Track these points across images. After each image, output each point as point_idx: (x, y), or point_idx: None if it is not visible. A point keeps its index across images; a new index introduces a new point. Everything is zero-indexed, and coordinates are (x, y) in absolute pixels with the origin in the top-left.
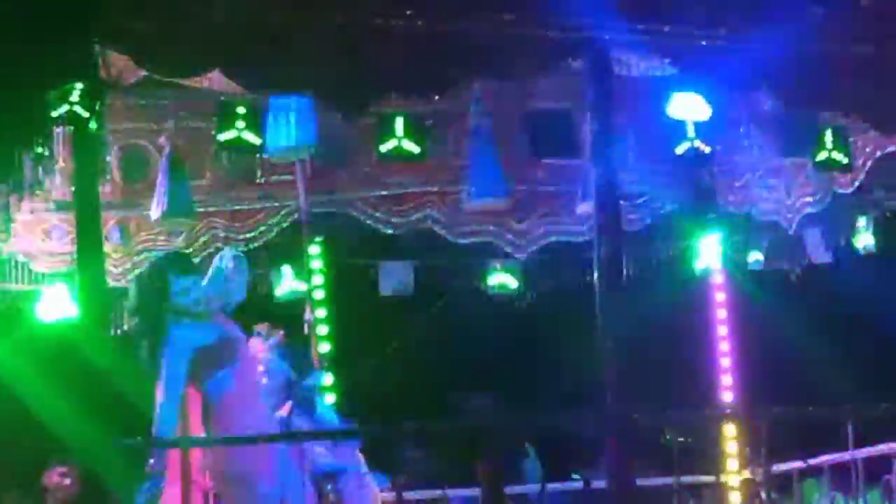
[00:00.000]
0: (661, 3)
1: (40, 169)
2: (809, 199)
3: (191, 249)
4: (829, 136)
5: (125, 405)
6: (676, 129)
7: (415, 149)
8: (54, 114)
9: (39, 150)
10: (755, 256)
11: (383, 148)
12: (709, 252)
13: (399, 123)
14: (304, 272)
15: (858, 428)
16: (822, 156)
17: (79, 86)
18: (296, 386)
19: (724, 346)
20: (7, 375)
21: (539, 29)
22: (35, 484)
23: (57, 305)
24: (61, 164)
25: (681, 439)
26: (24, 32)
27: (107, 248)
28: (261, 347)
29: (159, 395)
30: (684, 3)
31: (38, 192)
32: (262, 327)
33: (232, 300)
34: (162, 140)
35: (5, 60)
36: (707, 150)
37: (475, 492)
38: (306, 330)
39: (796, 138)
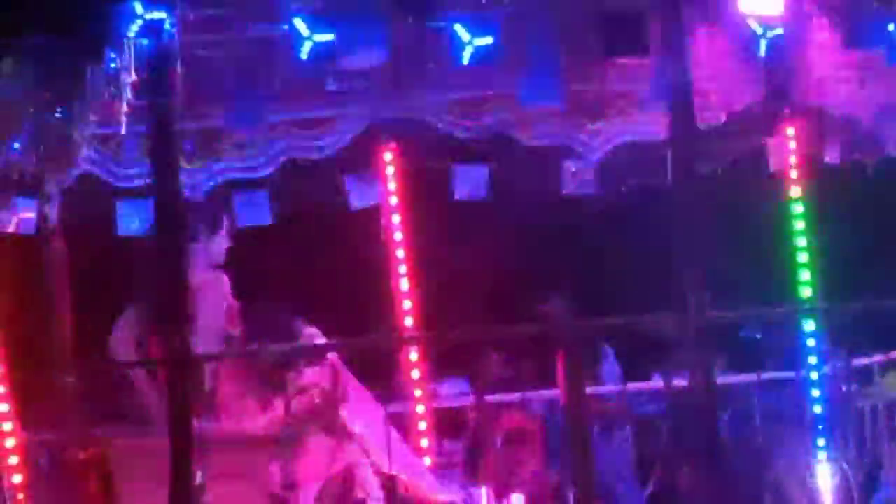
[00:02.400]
0: None
1: (110, 78)
2: (884, 90)
3: (263, 159)
4: None
5: None
6: (748, 25)
7: (485, 52)
8: (125, 27)
9: (112, 63)
10: (831, 150)
11: (454, 52)
12: (783, 147)
13: (469, 27)
14: (378, 179)
15: None
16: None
17: None
18: None
19: (801, 242)
20: None
21: None
22: None
23: (133, 220)
24: (133, 77)
25: (757, 336)
26: None
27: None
28: None
29: None
30: None
31: (110, 105)
32: None
33: None
34: (231, 51)
35: None
36: (779, 44)
37: (554, 393)
38: (384, 237)
39: (868, 30)
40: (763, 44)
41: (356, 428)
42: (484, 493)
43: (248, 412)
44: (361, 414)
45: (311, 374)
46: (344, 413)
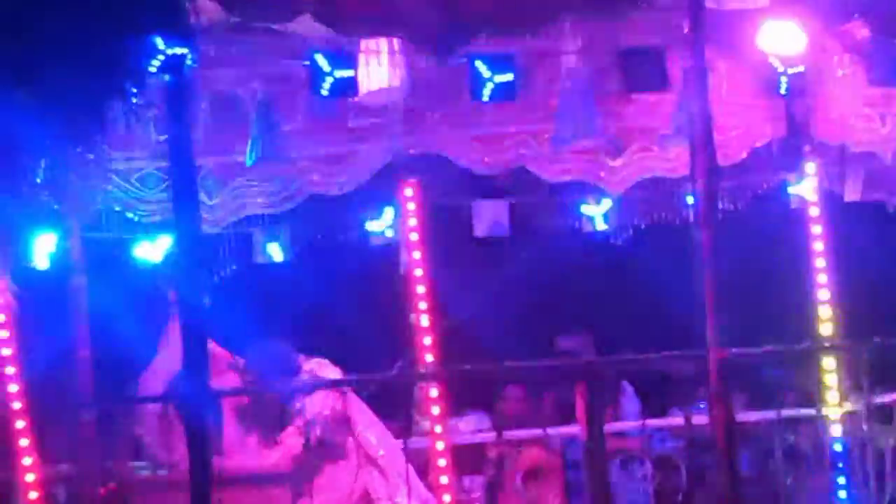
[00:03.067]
0: None
1: (134, 118)
2: None
3: (284, 194)
4: None
5: None
6: (769, 62)
7: (506, 89)
8: (146, 62)
9: (133, 99)
10: (851, 187)
11: (475, 88)
12: (804, 184)
13: (490, 64)
14: (397, 215)
15: None
16: None
17: (170, 34)
18: None
19: (822, 279)
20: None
21: None
22: None
23: (154, 252)
24: (154, 112)
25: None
26: None
27: (200, 195)
28: None
29: None
30: None
31: (132, 140)
32: None
33: None
34: (252, 86)
35: (96, 10)
36: (800, 81)
37: (574, 430)
38: (402, 271)
39: (890, 68)
40: (784, 81)
41: (373, 450)
42: None
43: (251, 450)
44: (378, 436)
45: (317, 403)
46: (362, 434)
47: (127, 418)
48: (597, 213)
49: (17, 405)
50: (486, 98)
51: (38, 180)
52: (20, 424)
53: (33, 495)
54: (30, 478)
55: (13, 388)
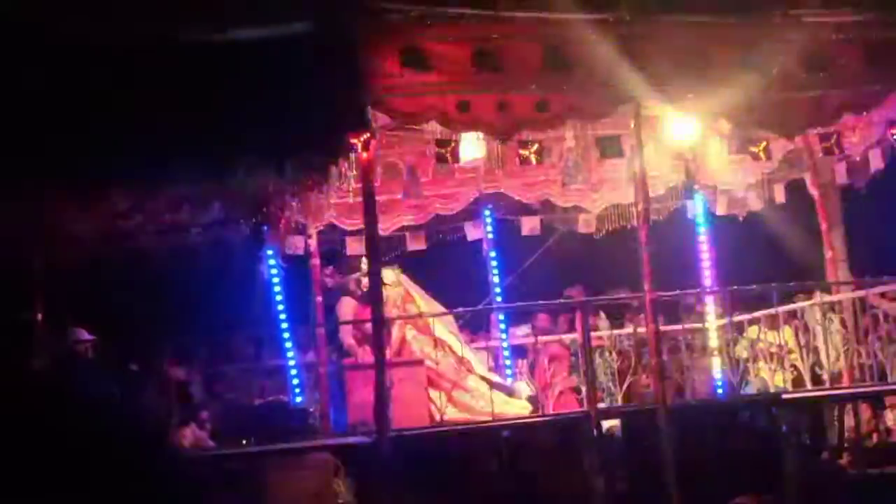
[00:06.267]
0: None
1: (342, 174)
2: (750, 169)
3: (422, 214)
4: None
5: None
6: (676, 140)
7: (536, 157)
8: (349, 142)
9: (343, 163)
10: (720, 206)
11: (520, 157)
12: (695, 205)
13: (531, 146)
14: (481, 225)
15: None
16: None
17: (363, 129)
18: None
19: (706, 258)
20: None
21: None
22: None
23: (357, 248)
24: (354, 172)
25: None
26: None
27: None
28: None
29: None
30: None
31: (342, 187)
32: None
33: None
34: (404, 158)
35: (323, 120)
36: (692, 151)
37: (576, 336)
38: (485, 255)
39: (740, 145)
40: (685, 150)
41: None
42: (536, 386)
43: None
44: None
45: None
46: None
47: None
48: (585, 221)
49: None
50: (527, 162)
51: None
52: None
53: None
54: None
55: None
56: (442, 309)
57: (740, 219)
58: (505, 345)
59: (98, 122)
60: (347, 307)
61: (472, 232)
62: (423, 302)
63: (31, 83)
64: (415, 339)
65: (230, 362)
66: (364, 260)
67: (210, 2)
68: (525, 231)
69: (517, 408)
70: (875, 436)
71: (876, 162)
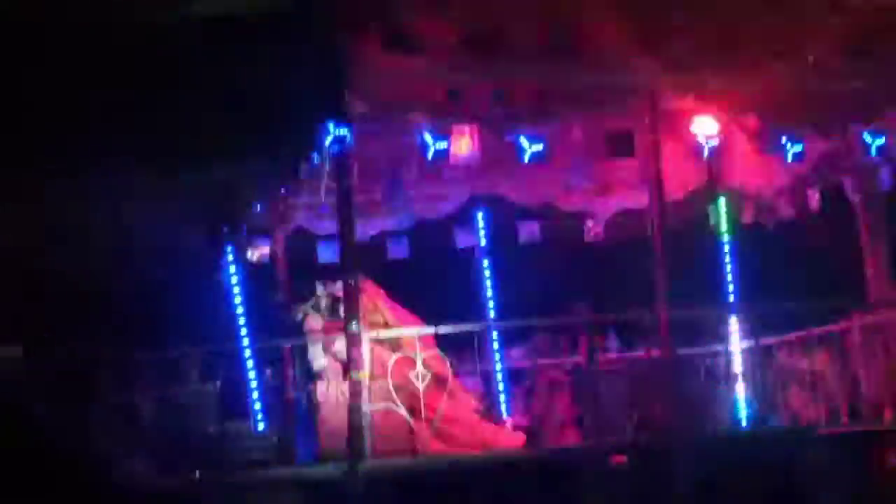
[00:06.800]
0: None
1: (314, 170)
2: (777, 175)
3: (405, 217)
4: None
5: None
6: (696, 137)
7: (538, 155)
8: (322, 138)
9: (315, 159)
10: (746, 214)
11: (519, 155)
12: (718, 211)
13: (529, 139)
14: (476, 229)
15: None
16: None
17: (337, 122)
18: None
19: (727, 261)
20: None
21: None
22: None
23: (329, 255)
24: (326, 167)
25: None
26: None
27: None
28: None
29: None
30: None
31: (313, 185)
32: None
33: None
34: (385, 153)
35: (297, 110)
36: (714, 151)
37: (579, 359)
38: (475, 266)
39: (768, 143)
40: (705, 150)
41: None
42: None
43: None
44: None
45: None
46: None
47: None
48: (591, 228)
49: None
50: (526, 160)
51: (258, 208)
52: None
53: None
54: None
55: None
56: (414, 323)
57: (769, 228)
58: (499, 367)
59: (30, 108)
60: (315, 322)
61: (462, 238)
62: (389, 312)
63: None
64: (396, 363)
65: (183, 383)
66: (318, 285)
67: None
68: (523, 238)
69: (510, 439)
70: None
71: None
